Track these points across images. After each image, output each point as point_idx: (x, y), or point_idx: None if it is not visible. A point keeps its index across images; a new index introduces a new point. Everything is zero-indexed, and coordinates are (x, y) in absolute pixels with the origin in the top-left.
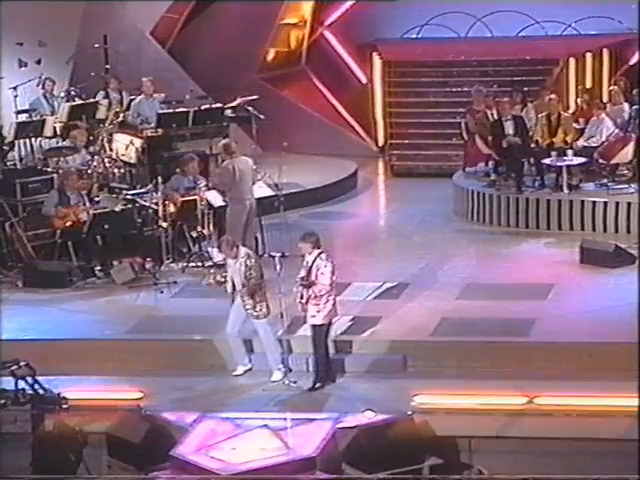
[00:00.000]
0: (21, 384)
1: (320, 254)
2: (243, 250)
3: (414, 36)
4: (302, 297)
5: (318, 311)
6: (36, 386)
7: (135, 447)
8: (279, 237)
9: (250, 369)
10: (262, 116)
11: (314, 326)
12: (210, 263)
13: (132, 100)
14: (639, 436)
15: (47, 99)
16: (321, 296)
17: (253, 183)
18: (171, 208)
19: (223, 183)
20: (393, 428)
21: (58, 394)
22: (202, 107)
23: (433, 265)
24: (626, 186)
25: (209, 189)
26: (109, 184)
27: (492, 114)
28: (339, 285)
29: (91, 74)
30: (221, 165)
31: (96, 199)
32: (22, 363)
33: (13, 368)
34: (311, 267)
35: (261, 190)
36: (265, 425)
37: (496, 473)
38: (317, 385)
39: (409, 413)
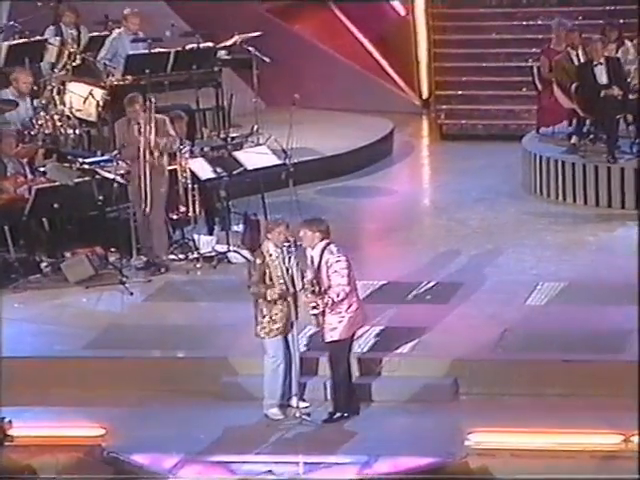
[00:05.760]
0: None
1: (328, 246)
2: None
3: None
4: (316, 307)
5: (340, 321)
6: None
7: None
8: (288, 221)
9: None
10: (266, 58)
11: (333, 341)
12: (195, 255)
13: (93, 38)
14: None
15: None
16: (341, 301)
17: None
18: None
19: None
20: (442, 475)
21: (1, 419)
22: (186, 47)
23: (495, 258)
24: None
25: (194, 156)
26: (59, 149)
27: (577, 55)
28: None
29: (38, 4)
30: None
31: (42, 169)
32: None
33: None
34: (320, 265)
35: (264, 158)
36: (269, 471)
37: None
38: (336, 416)
39: (463, 455)
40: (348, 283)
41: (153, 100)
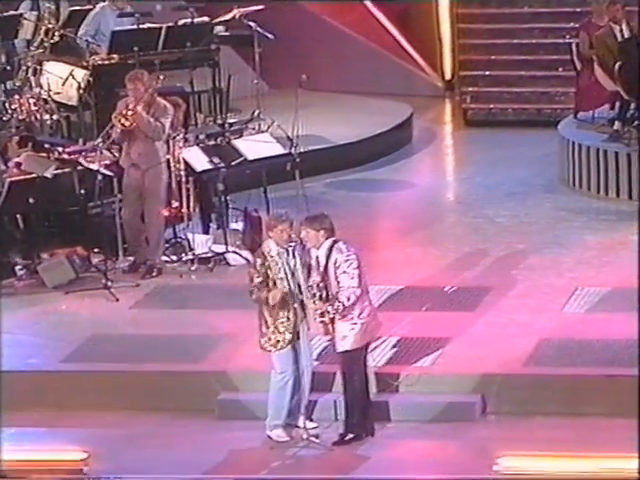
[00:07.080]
0: None
1: (335, 244)
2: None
3: None
4: (324, 314)
5: (352, 328)
6: None
7: None
8: (295, 217)
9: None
10: (270, 35)
11: (345, 351)
12: (190, 256)
13: (74, 13)
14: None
15: None
16: (352, 306)
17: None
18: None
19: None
20: None
21: None
22: (179, 22)
23: (527, 260)
24: None
25: (188, 145)
26: (35, 137)
27: (621, 31)
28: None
29: None
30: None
31: (16, 160)
32: None
33: None
34: (327, 266)
35: (267, 146)
36: None
37: None
38: (347, 438)
39: None
40: (359, 285)
41: (161, 77)
